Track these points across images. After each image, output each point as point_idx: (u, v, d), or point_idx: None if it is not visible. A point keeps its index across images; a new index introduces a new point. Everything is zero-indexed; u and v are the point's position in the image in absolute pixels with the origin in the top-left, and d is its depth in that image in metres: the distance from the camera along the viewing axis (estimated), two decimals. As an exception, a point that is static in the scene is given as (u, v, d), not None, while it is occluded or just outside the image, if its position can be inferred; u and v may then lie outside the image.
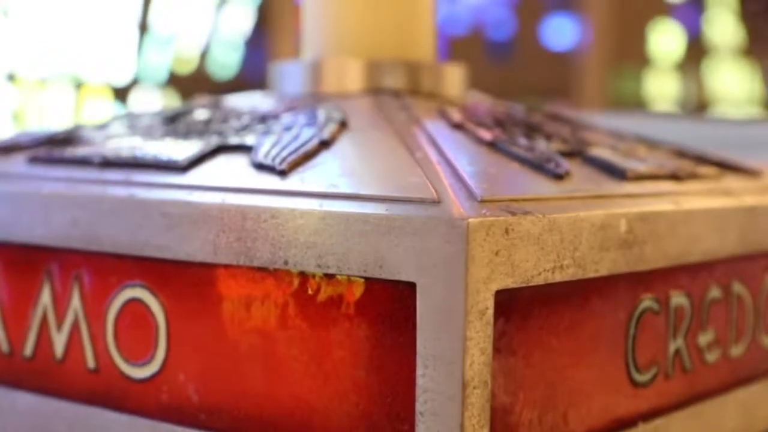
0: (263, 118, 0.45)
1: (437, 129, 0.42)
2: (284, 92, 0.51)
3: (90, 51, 5.12)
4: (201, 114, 0.48)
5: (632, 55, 6.38)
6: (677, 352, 0.41)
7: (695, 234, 0.40)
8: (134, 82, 5.48)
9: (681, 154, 0.50)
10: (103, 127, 0.49)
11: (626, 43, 6.34)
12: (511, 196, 0.34)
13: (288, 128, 0.42)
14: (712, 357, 0.43)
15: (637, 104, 6.06)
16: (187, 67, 5.68)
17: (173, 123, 0.47)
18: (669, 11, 6.48)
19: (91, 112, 5.13)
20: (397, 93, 0.49)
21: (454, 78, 0.51)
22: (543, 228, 0.33)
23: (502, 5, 6.82)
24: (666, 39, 6.35)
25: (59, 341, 0.41)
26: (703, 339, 0.42)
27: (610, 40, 6.27)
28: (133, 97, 5.45)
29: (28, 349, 0.42)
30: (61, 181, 0.41)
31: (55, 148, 0.46)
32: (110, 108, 5.26)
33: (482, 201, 0.32)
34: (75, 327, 0.40)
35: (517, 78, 6.49)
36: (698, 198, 0.42)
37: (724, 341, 0.44)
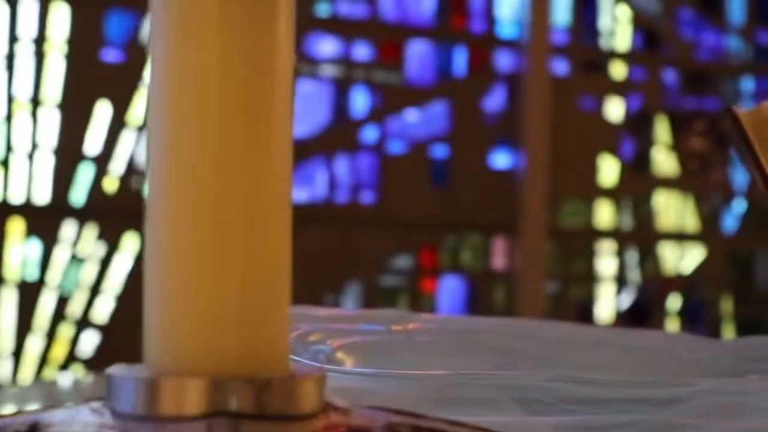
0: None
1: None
2: (119, 409, 0.46)
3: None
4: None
5: (573, 186, 6.47)
6: None
7: None
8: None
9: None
10: None
11: (566, 175, 6.44)
12: None
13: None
14: None
15: (579, 233, 6.10)
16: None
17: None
18: (608, 144, 6.62)
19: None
20: (240, 418, 0.44)
21: (308, 392, 0.47)
22: None
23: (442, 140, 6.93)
24: (605, 170, 6.46)
25: None
26: None
27: (550, 173, 6.36)
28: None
29: None
30: None
31: None
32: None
33: None
34: None
35: (458, 212, 6.54)
36: None
37: None
